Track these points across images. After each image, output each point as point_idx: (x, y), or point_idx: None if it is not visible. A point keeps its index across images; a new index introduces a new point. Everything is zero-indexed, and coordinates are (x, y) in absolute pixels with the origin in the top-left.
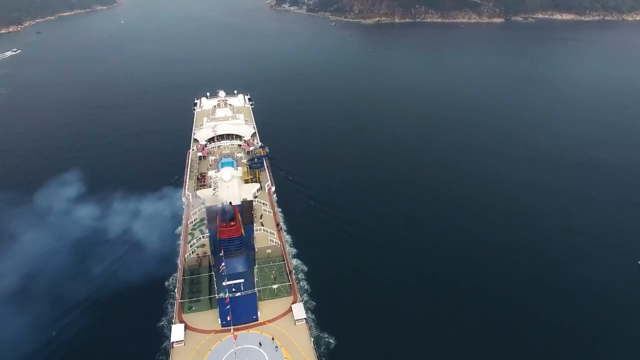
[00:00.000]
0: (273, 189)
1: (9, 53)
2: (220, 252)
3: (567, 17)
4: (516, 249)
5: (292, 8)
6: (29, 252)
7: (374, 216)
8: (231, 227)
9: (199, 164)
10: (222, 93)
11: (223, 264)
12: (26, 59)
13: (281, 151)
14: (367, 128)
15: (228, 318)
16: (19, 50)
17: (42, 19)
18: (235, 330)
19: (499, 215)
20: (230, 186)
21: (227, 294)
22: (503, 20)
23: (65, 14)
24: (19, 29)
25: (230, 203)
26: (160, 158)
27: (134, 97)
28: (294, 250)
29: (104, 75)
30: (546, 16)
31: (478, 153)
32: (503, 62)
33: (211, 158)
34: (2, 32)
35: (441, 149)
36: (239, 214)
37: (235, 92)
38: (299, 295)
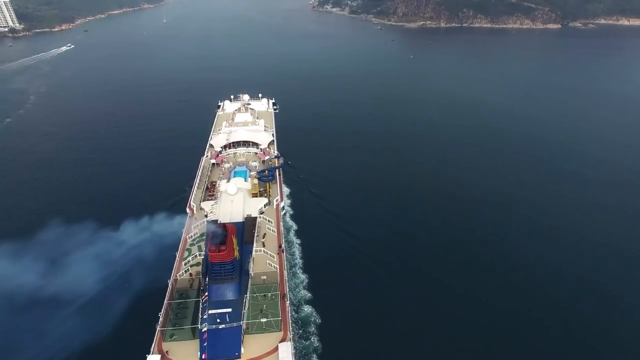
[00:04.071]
0: (282, 204)
1: (64, 48)
2: (211, 276)
3: (635, 22)
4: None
5: (334, 9)
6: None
7: (414, 251)
8: (221, 251)
9: (211, 171)
10: (245, 96)
11: (206, 294)
12: (69, 58)
13: (304, 161)
14: (404, 142)
15: (203, 357)
16: (73, 46)
17: (93, 17)
18: None
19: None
20: (234, 200)
21: (206, 327)
22: (559, 26)
23: (114, 12)
24: (70, 26)
25: (224, 224)
26: (178, 163)
27: (161, 97)
28: (307, 294)
29: (136, 74)
30: (610, 22)
31: (532, 172)
32: (561, 74)
33: (225, 166)
34: (55, 30)
35: (491, 168)
36: (233, 236)
37: (260, 95)
38: (289, 332)
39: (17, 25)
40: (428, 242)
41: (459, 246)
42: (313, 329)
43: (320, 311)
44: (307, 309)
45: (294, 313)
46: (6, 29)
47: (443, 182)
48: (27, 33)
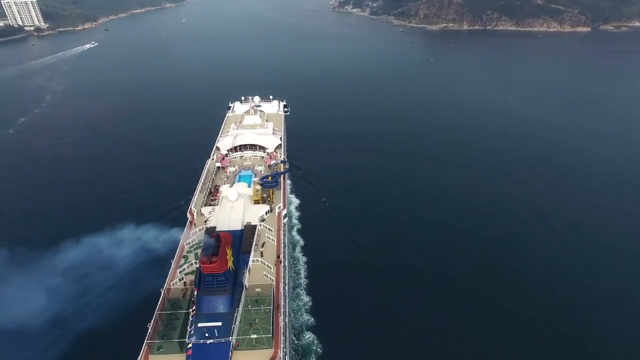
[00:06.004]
0: (284, 212)
1: (88, 45)
2: (202, 287)
3: None
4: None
5: (354, 10)
6: None
7: (439, 278)
8: (213, 263)
9: (215, 175)
10: (256, 98)
11: (194, 307)
12: (87, 58)
13: (316, 167)
14: (423, 146)
15: None
16: (96, 43)
17: (115, 16)
18: None
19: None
20: (234, 207)
21: (193, 341)
22: (589, 29)
23: (136, 11)
24: (93, 25)
25: (217, 234)
26: (186, 165)
27: (175, 97)
28: (310, 319)
29: (152, 74)
30: None
31: (560, 193)
32: (593, 83)
33: (230, 169)
34: (79, 29)
35: (517, 177)
36: (227, 246)
37: (271, 97)
38: (280, 350)
39: (43, 24)
40: (457, 265)
41: (492, 268)
42: (313, 358)
43: (323, 340)
44: (309, 336)
45: (294, 338)
46: (32, 28)
47: (467, 193)
48: (52, 32)
